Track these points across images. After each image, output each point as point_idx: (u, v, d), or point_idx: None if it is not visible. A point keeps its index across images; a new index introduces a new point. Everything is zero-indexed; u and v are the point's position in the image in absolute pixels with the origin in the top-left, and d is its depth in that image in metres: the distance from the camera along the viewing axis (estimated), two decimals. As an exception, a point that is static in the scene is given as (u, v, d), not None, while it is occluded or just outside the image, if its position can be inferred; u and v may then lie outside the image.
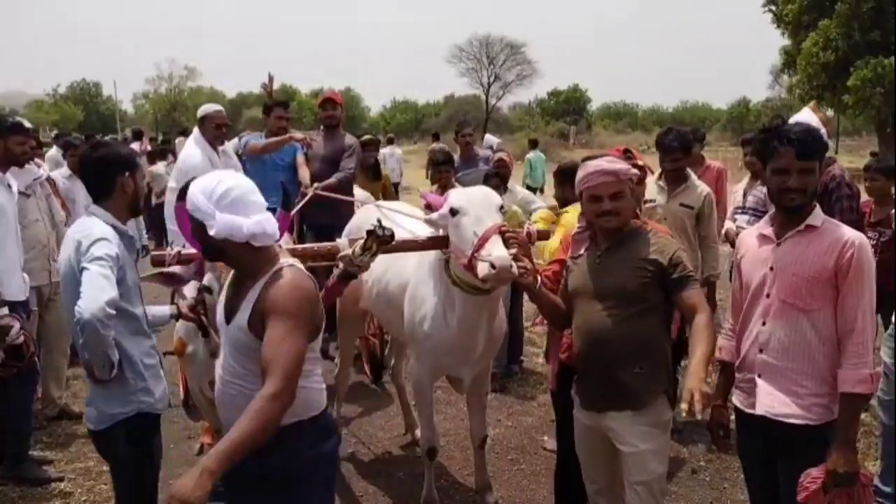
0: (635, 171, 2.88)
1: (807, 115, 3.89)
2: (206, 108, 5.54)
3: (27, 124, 4.67)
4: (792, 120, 3.55)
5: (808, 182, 2.50)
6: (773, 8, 26.34)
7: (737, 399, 2.73)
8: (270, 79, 6.32)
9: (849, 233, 2.52)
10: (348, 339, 4.74)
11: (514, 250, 2.89)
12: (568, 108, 61.07)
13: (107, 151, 2.79)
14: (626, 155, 3.08)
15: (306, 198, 4.82)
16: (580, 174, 2.79)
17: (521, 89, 60.63)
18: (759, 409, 2.59)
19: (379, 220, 3.11)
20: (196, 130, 5.61)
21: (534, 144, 18.38)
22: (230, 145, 6.04)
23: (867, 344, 2.44)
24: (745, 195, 5.25)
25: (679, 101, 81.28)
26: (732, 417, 2.83)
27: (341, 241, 3.50)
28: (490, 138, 10.33)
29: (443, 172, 5.67)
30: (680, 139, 4.62)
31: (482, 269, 2.84)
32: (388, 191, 6.52)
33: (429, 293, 3.48)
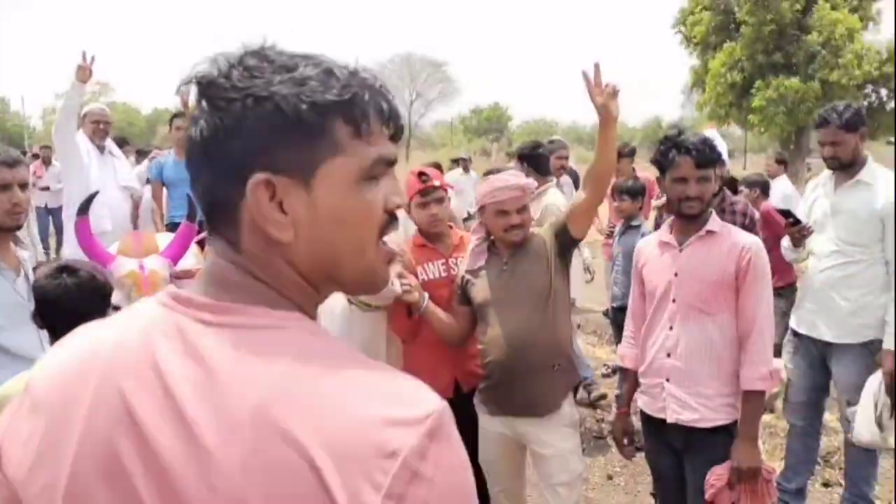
0: (535, 184, 2.94)
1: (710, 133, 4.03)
2: (87, 107, 5.38)
3: None
4: None
5: (706, 189, 2.58)
6: (682, 29, 27.30)
7: (643, 404, 2.77)
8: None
9: (745, 238, 2.61)
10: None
11: (397, 268, 2.81)
12: (489, 125, 61.83)
13: None
14: (422, 178, 2.94)
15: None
16: (485, 189, 2.76)
17: (442, 107, 61.01)
18: (671, 418, 2.62)
19: None
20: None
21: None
22: (140, 168, 5.77)
23: (766, 343, 2.53)
24: None
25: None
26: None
27: None
28: None
29: None
30: None
31: None
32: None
33: (336, 308, 3.31)
